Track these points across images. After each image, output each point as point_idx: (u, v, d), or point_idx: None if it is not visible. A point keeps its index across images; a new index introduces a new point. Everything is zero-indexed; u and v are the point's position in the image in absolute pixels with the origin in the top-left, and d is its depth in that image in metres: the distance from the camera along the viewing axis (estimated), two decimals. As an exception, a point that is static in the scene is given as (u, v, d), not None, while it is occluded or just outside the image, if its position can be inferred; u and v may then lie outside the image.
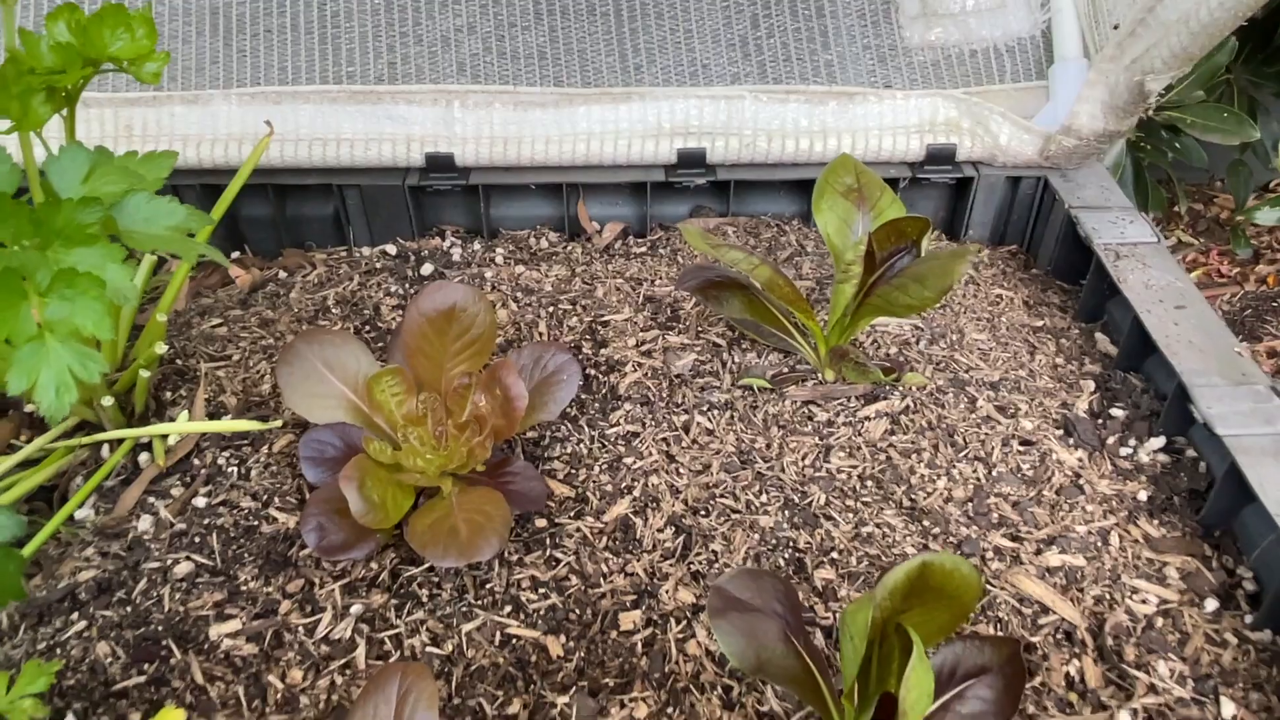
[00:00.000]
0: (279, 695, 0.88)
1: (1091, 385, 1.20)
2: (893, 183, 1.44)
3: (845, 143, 1.41)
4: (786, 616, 0.83)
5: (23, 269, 0.66)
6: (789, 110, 1.41)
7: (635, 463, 1.11)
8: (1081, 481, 1.07)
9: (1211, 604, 0.95)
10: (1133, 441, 1.12)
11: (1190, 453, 1.10)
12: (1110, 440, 1.12)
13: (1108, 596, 0.96)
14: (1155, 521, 1.03)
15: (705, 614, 0.93)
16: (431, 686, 0.75)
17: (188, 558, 0.98)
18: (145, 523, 1.02)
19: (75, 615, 0.93)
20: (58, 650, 0.89)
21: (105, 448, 1.12)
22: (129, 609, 0.93)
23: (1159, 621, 0.94)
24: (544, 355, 1.12)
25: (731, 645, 0.80)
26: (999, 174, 1.43)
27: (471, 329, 1.08)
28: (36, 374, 0.70)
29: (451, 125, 1.41)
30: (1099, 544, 1.01)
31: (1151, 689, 0.89)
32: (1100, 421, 1.15)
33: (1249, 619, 0.94)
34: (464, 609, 0.95)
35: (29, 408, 1.19)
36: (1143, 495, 1.06)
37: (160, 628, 0.92)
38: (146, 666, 0.89)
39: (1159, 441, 1.11)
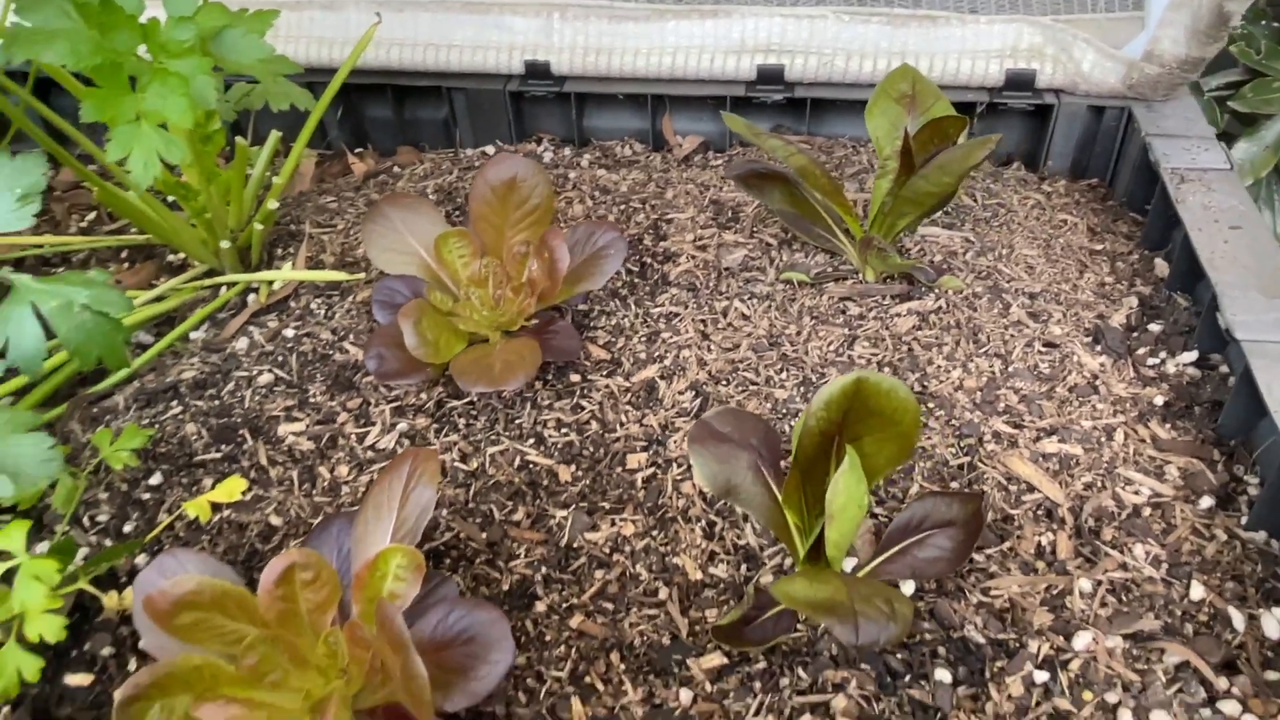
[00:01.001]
0: (325, 484, 1.02)
1: (1135, 302, 1.20)
2: (969, 108, 1.45)
3: (923, 65, 1.44)
4: (760, 450, 0.91)
5: (129, 68, 0.83)
6: (870, 30, 1.45)
7: (671, 337, 1.20)
8: (1098, 383, 1.08)
9: (1207, 502, 0.96)
10: (1163, 353, 1.12)
11: (1224, 369, 1.09)
12: (1140, 351, 1.12)
13: (1098, 484, 0.98)
14: (1168, 425, 1.04)
15: (688, 441, 1.00)
16: (435, 467, 0.88)
17: (270, 371, 1.15)
18: (242, 343, 1.19)
19: (174, 403, 1.11)
20: (156, 426, 1.07)
21: (223, 289, 1.30)
22: (217, 402, 1.11)
23: (1146, 511, 0.96)
24: (595, 232, 1.22)
25: (704, 469, 0.89)
26: (1081, 103, 1.42)
27: (530, 199, 1.20)
28: (130, 149, 0.86)
29: (550, 35, 1.52)
30: (1102, 438, 1.02)
31: (1121, 566, 0.91)
32: (1134, 334, 1.15)
33: (1244, 520, 0.94)
34: (492, 436, 1.07)
35: (169, 258, 1.40)
36: (1159, 400, 1.06)
37: (239, 419, 1.08)
38: (223, 447, 1.06)
39: (1191, 355, 1.10)
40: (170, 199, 1.43)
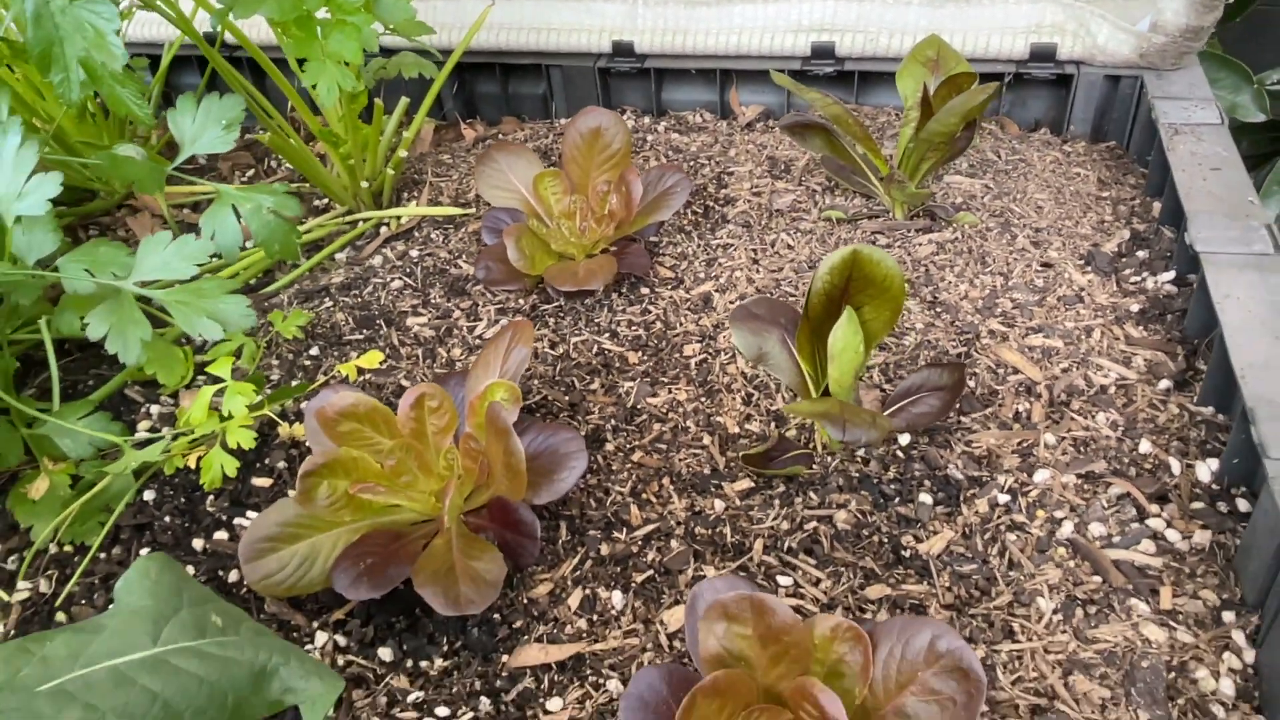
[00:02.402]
0: (443, 360, 1.29)
1: (1127, 234, 1.38)
2: (997, 77, 1.66)
3: (957, 40, 1.65)
4: (787, 328, 1.14)
5: (315, 21, 1.13)
6: (910, 12, 1.67)
7: (726, 262, 1.43)
8: (1084, 294, 1.28)
9: (1165, 384, 1.15)
10: (1145, 273, 1.30)
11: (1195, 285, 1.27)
12: (1125, 271, 1.31)
13: (1073, 369, 1.18)
14: (1140, 327, 1.23)
15: (729, 321, 1.23)
16: (529, 334, 1.13)
17: (400, 279, 1.43)
18: (377, 260, 1.48)
19: (327, 300, 1.39)
20: (314, 314, 1.36)
21: (360, 224, 1.59)
22: (359, 300, 1.39)
23: (1112, 390, 1.15)
24: (665, 174, 1.47)
25: (742, 341, 1.12)
26: (1098, 72, 1.61)
27: (612, 145, 1.45)
28: (318, 78, 1.15)
29: (635, 19, 1.78)
30: (1081, 335, 1.22)
31: (1085, 428, 1.10)
32: (1122, 259, 1.34)
33: (1196, 398, 1.13)
34: (575, 330, 1.33)
35: (315, 203, 1.70)
36: (1135, 307, 1.25)
37: (376, 313, 1.36)
38: (365, 331, 1.33)
39: (1170, 275, 1.29)
40: (320, 152, 1.72)
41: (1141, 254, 1.34)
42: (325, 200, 1.68)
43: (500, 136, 1.87)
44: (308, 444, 1.15)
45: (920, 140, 1.35)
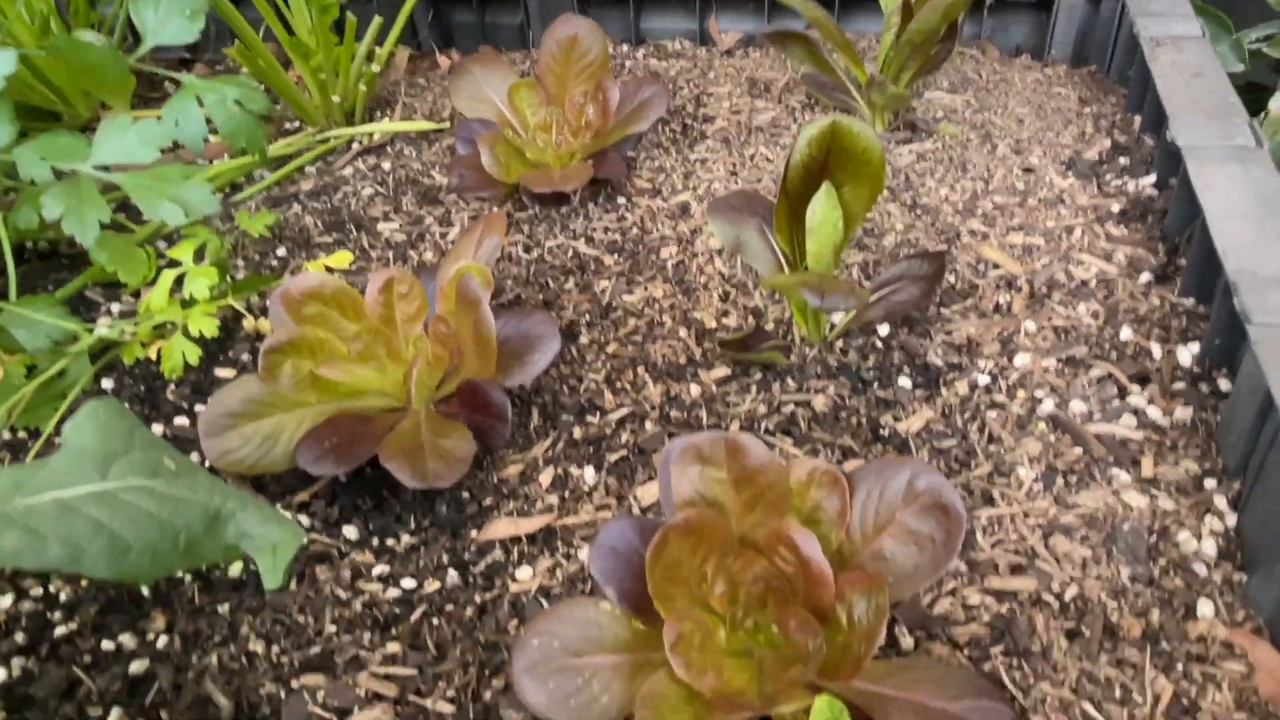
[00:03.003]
0: (415, 263, 1.26)
1: (1108, 144, 1.37)
2: (979, 3, 1.64)
3: (938, -38, 1.63)
4: (764, 217, 1.12)
5: None
6: (891, -67, 1.65)
7: (705, 175, 1.41)
8: (1065, 196, 1.27)
9: (1146, 277, 1.13)
10: (1126, 177, 1.29)
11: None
12: (1107, 176, 1.30)
13: (1054, 264, 1.16)
14: (1122, 226, 1.21)
15: (707, 212, 1.21)
16: (502, 224, 1.10)
17: (371, 187, 1.40)
18: (348, 171, 1.45)
19: (295, 205, 1.36)
20: (281, 218, 1.33)
21: (331, 141, 1.56)
22: (329, 206, 1.36)
23: (1093, 283, 1.14)
24: (642, 86, 1.45)
25: (720, 230, 1.10)
26: (1080, -5, 1.60)
27: (589, 54, 1.43)
28: None
29: (612, -56, 1.75)
30: (1062, 234, 1.21)
31: (1066, 318, 1.09)
32: (1103, 165, 1.33)
33: (1178, 291, 1.12)
34: (550, 236, 1.30)
35: (285, 124, 1.66)
36: (1116, 208, 1.24)
37: (346, 217, 1.33)
38: (334, 235, 1.30)
39: (1151, 179, 1.28)
40: (295, 78, 1.69)
41: (1123, 160, 1.33)
42: (297, 123, 1.65)
43: (476, 66, 1.84)
44: (270, 324, 1.12)
45: (901, 44, 1.33)
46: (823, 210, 0.97)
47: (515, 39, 1.88)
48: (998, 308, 1.11)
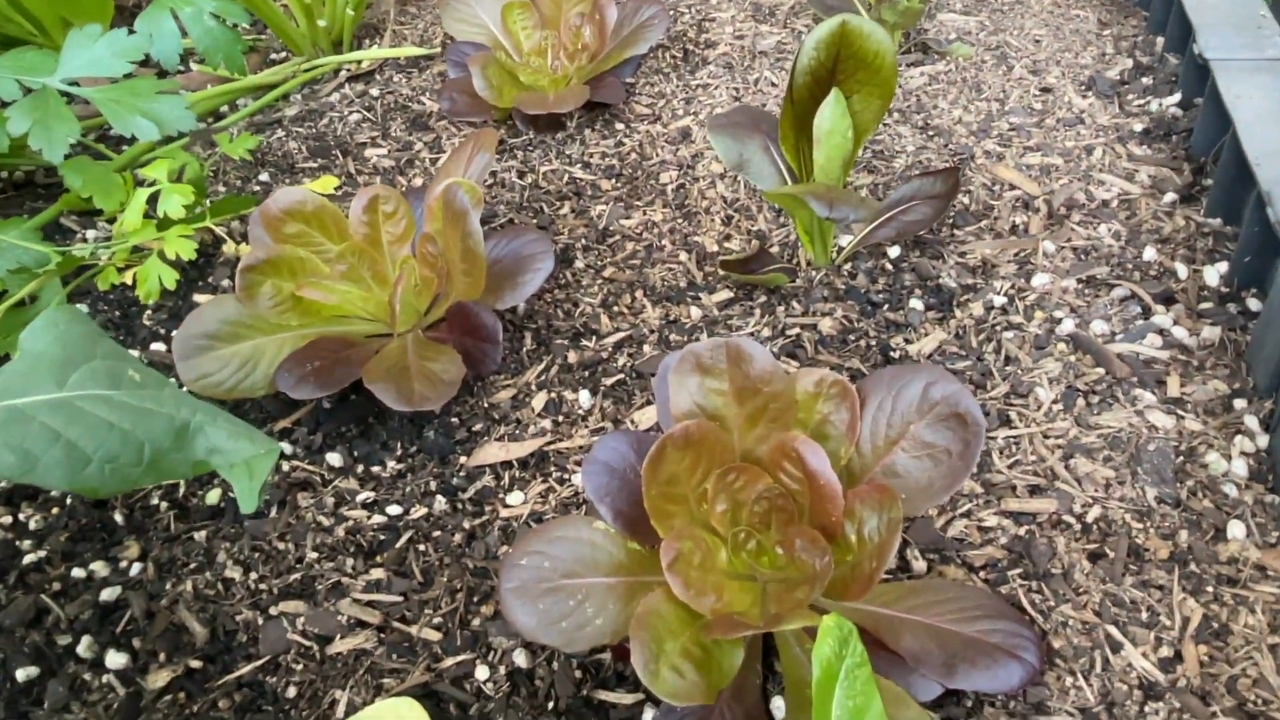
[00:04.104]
0: (403, 188, 1.21)
1: (1130, 64, 1.31)
2: (995, -81, 1.56)
3: (951, -121, 1.55)
4: (768, 133, 1.06)
5: None
6: None
7: (706, 100, 1.35)
8: (1084, 116, 1.20)
9: (1171, 197, 1.08)
10: (1149, 97, 1.23)
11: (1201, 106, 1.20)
12: (1129, 96, 1.24)
13: (1072, 183, 1.11)
14: (1144, 146, 1.16)
15: (707, 128, 1.15)
16: (493, 140, 1.05)
17: (358, 113, 1.34)
18: (335, 97, 1.39)
19: (279, 130, 1.30)
20: (264, 143, 1.27)
21: (318, 68, 1.50)
22: (313, 131, 1.30)
23: (1114, 204, 1.08)
24: (642, 6, 1.38)
25: (722, 147, 1.04)
26: (1100, -89, 1.52)
27: (584, -28, 1.36)
28: None
29: None
30: (1082, 154, 1.15)
31: (1086, 238, 1.04)
32: (1125, 85, 1.26)
33: (1204, 210, 1.06)
34: (544, 161, 1.24)
35: (271, 56, 1.60)
36: (1138, 127, 1.18)
37: (332, 143, 1.28)
38: (319, 160, 1.25)
39: (1175, 98, 1.21)
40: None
41: (1145, 80, 1.27)
42: (284, 54, 1.58)
43: (469, -5, 1.77)
44: (250, 241, 1.07)
45: (913, -43, 1.26)
46: (831, 118, 0.91)
47: (510, -32, 1.81)
48: (1014, 229, 1.06)
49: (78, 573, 0.79)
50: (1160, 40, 1.36)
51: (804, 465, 0.66)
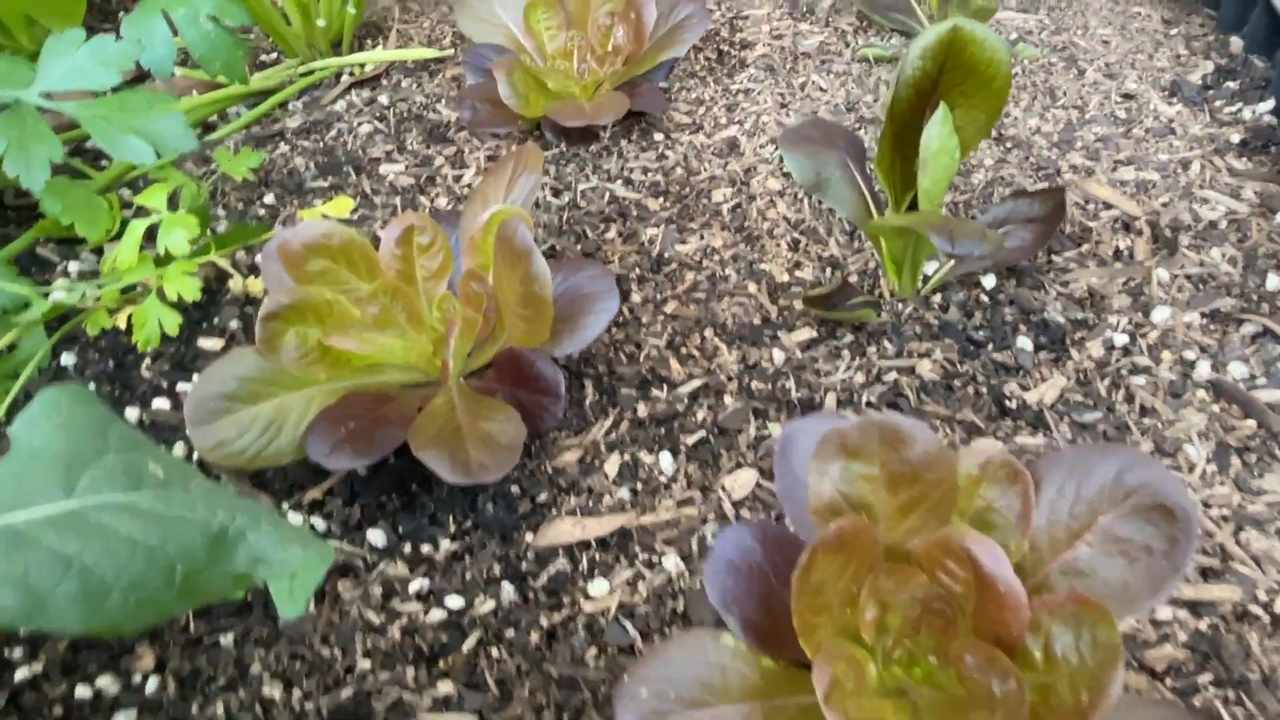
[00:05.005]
0: (426, 210, 1.08)
1: (1211, 66, 1.21)
2: (1044, -91, 1.46)
3: None
4: (848, 150, 0.95)
5: None
6: None
7: (750, 107, 1.23)
8: (1174, 125, 1.11)
9: (1283, 217, 0.98)
10: (1239, 104, 1.13)
11: (1301, 116, 1.11)
12: (1217, 103, 1.14)
13: (1175, 202, 1.01)
14: (1244, 159, 1.06)
15: (779, 143, 1.05)
16: (538, 159, 0.92)
17: (369, 123, 1.20)
18: (340, 105, 1.25)
19: (282, 144, 1.17)
20: (267, 159, 1.13)
21: (317, 73, 1.36)
22: (321, 144, 1.17)
23: (1223, 224, 0.98)
24: (677, 3, 1.26)
25: (797, 166, 0.93)
26: (1157, -99, 1.43)
27: (616, -34, 1.23)
28: None
29: None
30: (1178, 168, 1.05)
31: (1200, 264, 0.94)
32: (1210, 90, 1.17)
33: (1321, 232, 0.97)
34: (581, 178, 1.12)
35: (262, 58, 1.46)
36: (1235, 138, 1.08)
37: (343, 159, 1.14)
38: (330, 178, 1.11)
39: (1269, 105, 1.12)
40: None
41: (1231, 84, 1.17)
42: (275, 54, 1.44)
43: (473, -10, 1.63)
44: (266, 293, 0.94)
45: (982, -50, 1.15)
46: (940, 136, 0.80)
47: (516, -40, 1.68)
48: (1118, 254, 0.96)
49: (82, 692, 0.66)
50: (1235, 40, 1.27)
51: (976, 566, 0.55)
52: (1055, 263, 0.95)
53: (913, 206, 0.86)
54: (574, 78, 1.20)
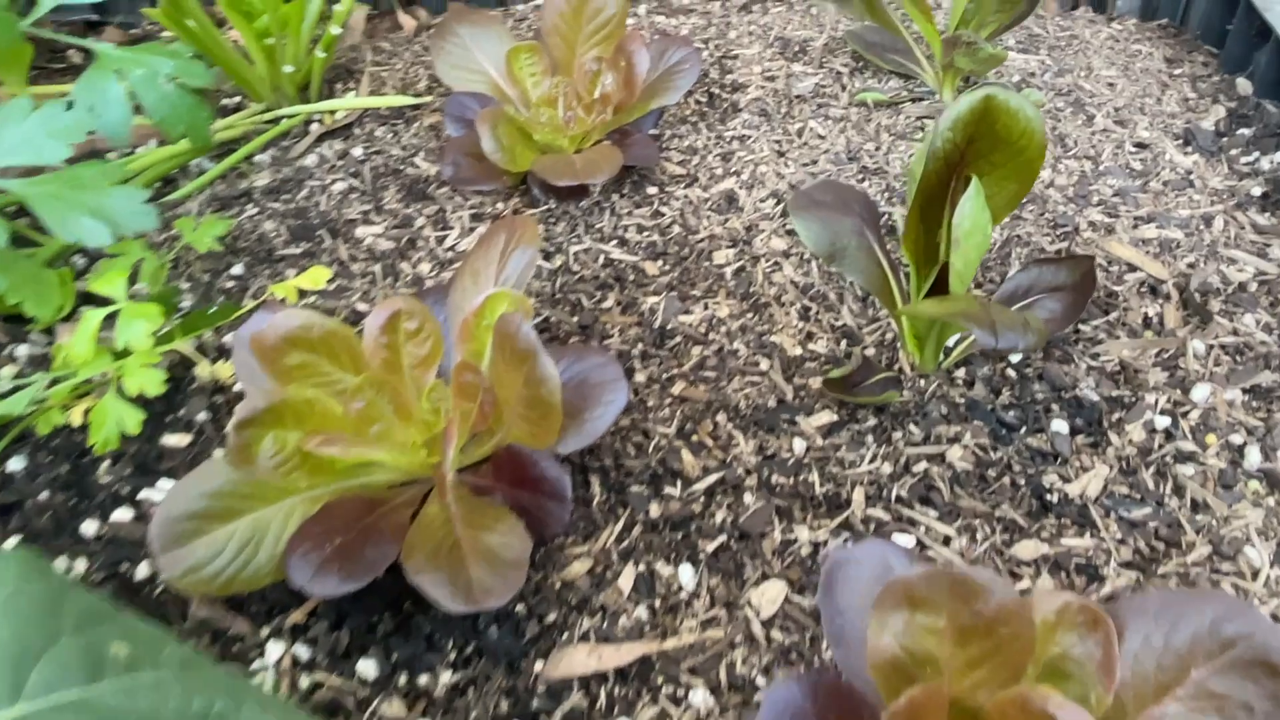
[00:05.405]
0: (408, 278, 1.00)
1: (1222, 111, 1.17)
2: (1039, -57, 1.42)
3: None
4: (863, 216, 0.89)
5: None
6: None
7: (746, 155, 1.17)
8: (1192, 177, 1.06)
9: (1314, 278, 0.94)
10: (1256, 153, 1.09)
11: (1320, 166, 1.07)
12: (1233, 151, 1.10)
13: (1201, 263, 0.96)
14: (1267, 214, 1.02)
15: (788, 209, 0.99)
16: (533, 231, 0.85)
17: (343, 180, 1.13)
18: (311, 159, 1.17)
19: (249, 205, 1.09)
20: (234, 224, 1.05)
21: (284, 121, 1.28)
22: (292, 206, 1.09)
23: (1253, 286, 0.94)
24: (668, 47, 1.20)
25: (810, 234, 0.87)
26: (1154, -65, 1.39)
27: (605, 10, 1.17)
28: None
29: (606, -122, 1.49)
30: (1200, 225, 1.00)
31: (1234, 332, 0.89)
32: (1224, 138, 1.13)
33: (1354, 294, 0.92)
34: (573, 239, 1.05)
35: (223, 101, 1.37)
36: (1256, 191, 1.04)
37: (316, 221, 1.06)
38: (302, 244, 1.04)
39: (1286, 154, 1.08)
40: (232, 41, 1.39)
41: (1245, 131, 1.13)
42: (238, 99, 1.36)
43: (446, 25, 1.56)
44: (238, 385, 0.87)
45: (991, -8, 1.10)
46: (973, 215, 0.74)
47: (490, -6, 1.61)
48: (1148, 322, 0.91)
49: None
50: (1243, 82, 1.23)
51: (1057, 731, 0.49)
52: (1083, 332, 0.90)
53: (938, 282, 0.80)
54: (560, 127, 1.14)
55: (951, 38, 1.12)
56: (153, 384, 0.80)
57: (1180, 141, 1.12)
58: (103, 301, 0.83)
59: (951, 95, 1.22)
